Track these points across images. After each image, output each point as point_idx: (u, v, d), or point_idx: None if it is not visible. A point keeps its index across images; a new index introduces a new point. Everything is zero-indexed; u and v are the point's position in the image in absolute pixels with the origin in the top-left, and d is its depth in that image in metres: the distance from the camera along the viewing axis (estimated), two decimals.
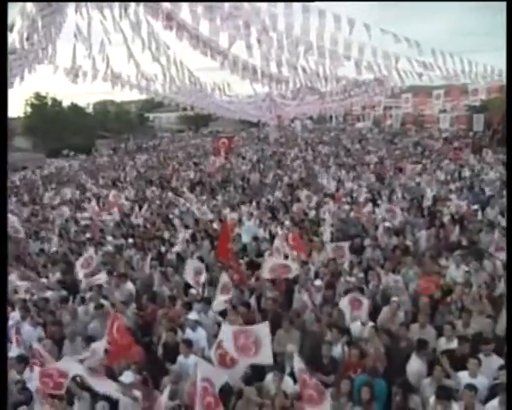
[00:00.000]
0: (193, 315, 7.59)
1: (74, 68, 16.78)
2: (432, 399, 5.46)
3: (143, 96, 22.42)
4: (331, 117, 58.39)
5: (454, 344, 6.57)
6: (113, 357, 6.51)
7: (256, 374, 6.33)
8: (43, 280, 10.07)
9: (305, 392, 5.47)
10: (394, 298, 7.76)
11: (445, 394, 5.26)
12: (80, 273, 9.76)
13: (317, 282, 8.75)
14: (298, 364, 5.67)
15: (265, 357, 5.90)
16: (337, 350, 6.73)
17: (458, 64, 15.03)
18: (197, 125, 73.10)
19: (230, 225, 12.33)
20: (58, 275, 10.30)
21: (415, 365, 6.28)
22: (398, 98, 40.86)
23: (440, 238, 11.73)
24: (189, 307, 8.01)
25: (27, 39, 11.45)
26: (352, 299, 7.87)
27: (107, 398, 5.80)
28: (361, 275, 9.33)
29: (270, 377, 6.03)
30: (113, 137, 58.35)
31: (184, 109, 65.93)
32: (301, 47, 10.71)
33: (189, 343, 6.78)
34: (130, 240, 12.65)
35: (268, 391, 5.90)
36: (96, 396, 5.92)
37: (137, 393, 5.66)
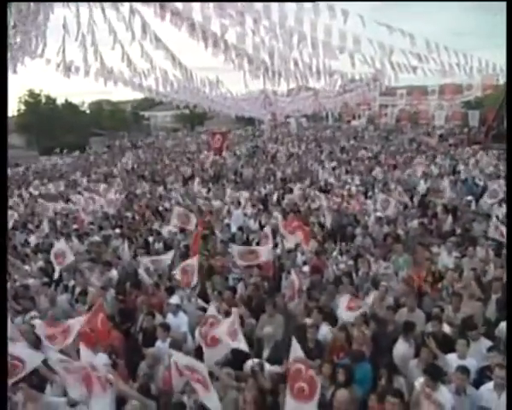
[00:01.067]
0: (174, 299, 7.37)
1: (65, 62, 16.58)
2: (418, 381, 5.24)
3: (139, 96, 22.27)
4: (327, 116, 58.20)
5: (443, 328, 6.37)
6: (90, 342, 6.27)
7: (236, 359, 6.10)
8: (26, 267, 9.82)
9: (296, 384, 5.09)
10: (383, 283, 7.56)
11: (433, 373, 5.03)
12: (55, 263, 9.43)
13: (305, 268, 8.55)
14: (295, 352, 5.28)
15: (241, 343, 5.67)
16: (322, 334, 6.52)
17: (453, 57, 14.90)
18: (192, 123, 72.78)
19: (219, 214, 12.11)
20: (41, 263, 10.03)
21: (401, 348, 6.08)
22: (393, 96, 40.83)
23: (433, 228, 11.60)
24: (171, 292, 7.78)
25: (13, 27, 11.24)
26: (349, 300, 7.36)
27: None
28: (350, 262, 9.15)
29: (249, 363, 5.79)
30: (108, 134, 57.94)
31: (179, 108, 65.79)
32: (295, 38, 10.53)
33: (166, 327, 6.55)
34: (118, 230, 12.41)
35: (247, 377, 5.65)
36: None
37: (110, 376, 5.42)
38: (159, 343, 6.43)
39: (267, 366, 5.75)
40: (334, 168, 22.38)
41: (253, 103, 41.96)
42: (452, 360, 5.59)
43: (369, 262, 8.75)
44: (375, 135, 45.02)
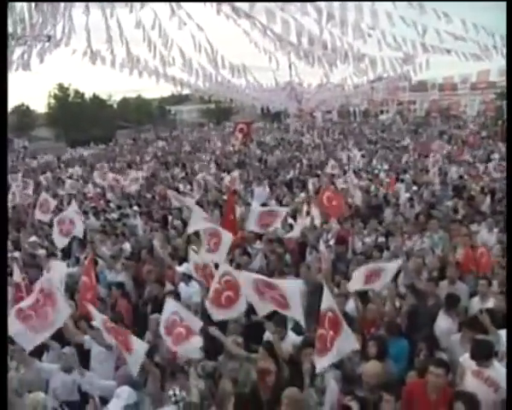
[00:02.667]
0: (183, 267, 6.77)
1: (92, 52, 16.34)
2: (463, 357, 4.49)
3: (166, 93, 22.10)
4: (354, 112, 56.97)
5: (490, 303, 5.59)
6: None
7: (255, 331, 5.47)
8: (34, 238, 9.42)
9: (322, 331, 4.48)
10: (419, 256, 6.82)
11: (484, 350, 4.25)
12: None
13: (332, 242, 7.87)
14: (328, 301, 4.57)
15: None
16: (350, 307, 5.83)
17: (490, 39, 13.97)
18: (218, 118, 72.32)
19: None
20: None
21: (443, 322, 5.33)
22: (422, 91, 39.52)
23: (469, 208, 10.76)
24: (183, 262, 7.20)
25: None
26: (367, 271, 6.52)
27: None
28: (381, 239, 8.44)
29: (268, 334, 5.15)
30: (134, 127, 58.21)
31: (205, 102, 65.73)
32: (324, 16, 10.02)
33: (175, 295, 5.96)
34: (136, 208, 11.96)
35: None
36: (66, 346, 5.20)
37: (111, 340, 4.88)
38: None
39: (292, 336, 5.10)
40: (362, 156, 21.54)
41: (279, 94, 41.31)
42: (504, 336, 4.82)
43: (403, 237, 7.99)
44: (403, 128, 43.77)
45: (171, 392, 4.23)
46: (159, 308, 5.97)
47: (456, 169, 16.98)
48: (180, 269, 6.76)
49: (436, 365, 4.05)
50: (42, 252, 8.85)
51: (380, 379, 4.17)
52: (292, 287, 4.97)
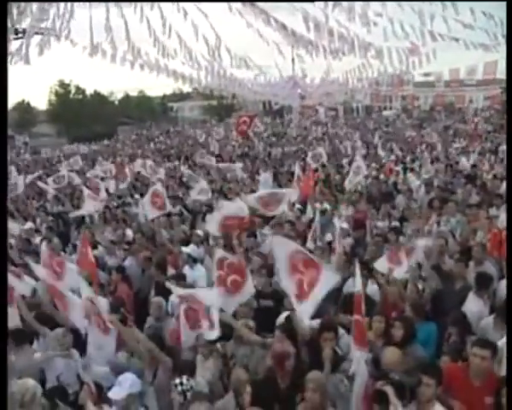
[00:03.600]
0: (189, 248, 6.33)
1: (93, 45, 15.98)
2: (502, 341, 4.04)
3: (168, 91, 21.77)
4: (357, 108, 56.36)
5: None
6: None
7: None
8: (31, 224, 9.04)
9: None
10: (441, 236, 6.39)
11: None
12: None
13: (344, 224, 7.42)
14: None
15: None
16: (370, 290, 5.39)
17: (499, 27, 13.53)
18: (220, 115, 71.83)
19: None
20: (50, 223, 9.25)
21: (474, 306, 4.89)
22: (427, 86, 38.93)
23: (485, 193, 10.33)
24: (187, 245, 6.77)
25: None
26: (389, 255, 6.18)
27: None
28: (395, 223, 8.00)
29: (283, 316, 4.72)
30: (136, 124, 57.86)
31: (207, 98, 65.23)
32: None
33: (180, 278, 5.53)
34: (137, 196, 11.55)
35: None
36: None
37: (112, 318, 4.46)
38: (172, 298, 5.39)
39: (307, 321, 4.67)
40: (367, 146, 21.13)
41: (282, 88, 40.78)
42: None
43: (419, 220, 7.56)
44: (408, 123, 43.27)
45: (177, 380, 3.79)
46: (161, 293, 5.59)
47: (466, 159, 16.68)
48: (186, 250, 6.31)
49: (481, 346, 3.60)
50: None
51: (402, 366, 3.73)
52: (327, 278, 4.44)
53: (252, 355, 4.34)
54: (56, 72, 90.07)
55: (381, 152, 18.16)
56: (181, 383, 3.76)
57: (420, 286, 5.38)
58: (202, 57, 18.03)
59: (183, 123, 68.94)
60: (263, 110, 52.15)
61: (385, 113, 53.89)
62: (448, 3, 9.55)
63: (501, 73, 33.20)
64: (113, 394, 3.81)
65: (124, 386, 3.82)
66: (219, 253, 5.34)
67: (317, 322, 4.39)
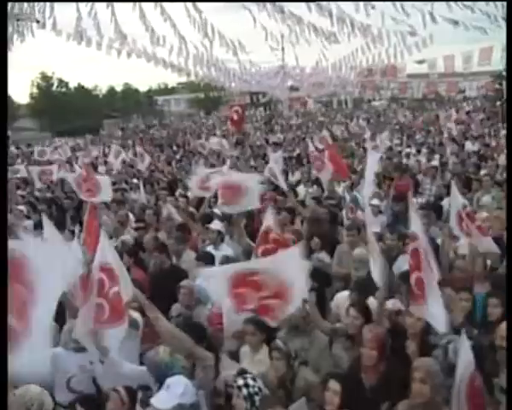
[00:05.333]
0: (215, 225, 5.54)
1: (78, 32, 15.04)
2: None
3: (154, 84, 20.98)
4: (346, 100, 55.77)
5: None
6: None
7: None
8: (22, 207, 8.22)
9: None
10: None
11: None
12: None
13: (375, 201, 6.71)
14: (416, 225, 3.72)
15: None
16: None
17: (500, 9, 12.96)
18: (207, 108, 70.78)
19: None
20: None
21: None
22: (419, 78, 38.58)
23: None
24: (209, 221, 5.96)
25: None
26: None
27: None
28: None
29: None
30: (122, 117, 56.62)
31: (194, 90, 64.18)
32: None
33: (207, 258, 4.76)
34: (135, 180, 10.73)
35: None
36: None
37: (136, 314, 3.69)
38: (200, 281, 4.60)
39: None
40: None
41: (272, 77, 40.31)
42: None
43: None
44: (399, 112, 42.92)
45: (240, 382, 2.98)
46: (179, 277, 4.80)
47: (471, 143, 16.30)
48: (215, 226, 5.50)
49: None
50: (29, 223, 7.67)
51: None
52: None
53: (311, 347, 3.57)
54: (38, 64, 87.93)
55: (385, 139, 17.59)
56: (246, 385, 2.95)
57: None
58: (193, 45, 17.10)
59: (170, 116, 67.85)
60: (250, 102, 51.42)
61: (374, 103, 53.62)
62: None
63: (495, 62, 32.97)
64: (159, 401, 2.92)
65: (173, 392, 2.93)
66: (268, 220, 4.57)
67: (392, 303, 3.66)
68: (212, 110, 70.71)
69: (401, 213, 6.25)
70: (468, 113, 37.91)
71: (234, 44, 18.34)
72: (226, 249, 5.29)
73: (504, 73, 36.52)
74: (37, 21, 14.13)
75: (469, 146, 15.78)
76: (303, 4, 15.47)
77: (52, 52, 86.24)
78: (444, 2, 14.25)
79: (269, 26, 16.91)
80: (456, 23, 15.38)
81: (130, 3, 14.40)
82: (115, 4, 12.74)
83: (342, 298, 4.05)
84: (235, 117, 31.02)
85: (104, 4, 13.02)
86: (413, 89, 41.85)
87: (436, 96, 42.89)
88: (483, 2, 14.00)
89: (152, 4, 13.61)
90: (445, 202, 7.00)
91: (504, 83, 35.26)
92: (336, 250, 5.33)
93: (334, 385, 2.88)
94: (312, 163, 9.12)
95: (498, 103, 35.77)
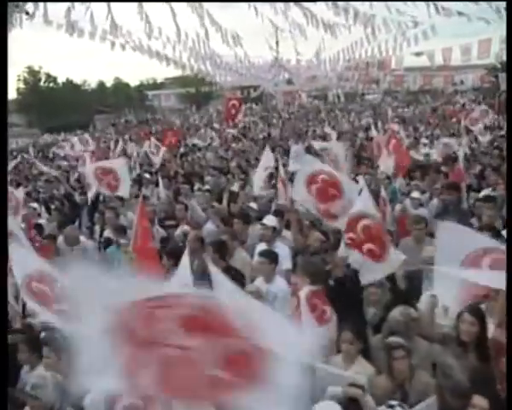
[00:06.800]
0: (270, 220, 5.03)
1: (69, 23, 14.47)
2: None
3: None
4: (338, 97, 55.27)
5: None
6: None
7: None
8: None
9: None
10: None
11: None
12: None
13: (415, 194, 6.31)
14: None
15: None
16: None
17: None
18: (198, 103, 69.98)
19: None
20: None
21: None
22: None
23: None
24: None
25: None
26: None
27: None
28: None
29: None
30: (113, 112, 55.70)
31: (185, 84, 63.33)
32: None
33: (271, 257, 4.27)
34: (147, 175, 10.22)
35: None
36: None
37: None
38: (259, 282, 4.12)
39: None
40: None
41: (267, 71, 39.85)
42: None
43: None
44: (393, 106, 42.63)
45: None
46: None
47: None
48: (270, 222, 4.98)
49: None
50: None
51: None
52: None
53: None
54: (24, 58, 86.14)
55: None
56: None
57: None
58: (187, 36, 16.62)
59: (161, 111, 66.95)
60: (241, 97, 50.85)
61: (368, 97, 53.32)
62: None
63: (494, 55, 32.86)
64: None
65: None
66: (359, 206, 4.12)
67: None
68: (203, 105, 70.03)
69: (452, 203, 5.85)
70: (463, 105, 37.86)
71: (232, 36, 17.97)
72: (284, 249, 4.77)
73: (499, 66, 36.60)
74: (27, 13, 13.53)
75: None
76: None
77: (39, 46, 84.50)
78: None
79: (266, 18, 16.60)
80: (460, 14, 15.17)
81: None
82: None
83: (427, 298, 3.63)
84: (232, 111, 30.53)
85: None
86: (409, 82, 41.76)
87: (431, 88, 42.73)
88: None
89: None
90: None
91: (500, 75, 35.30)
92: (400, 244, 4.89)
93: (480, 401, 2.46)
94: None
95: (497, 94, 35.75)
